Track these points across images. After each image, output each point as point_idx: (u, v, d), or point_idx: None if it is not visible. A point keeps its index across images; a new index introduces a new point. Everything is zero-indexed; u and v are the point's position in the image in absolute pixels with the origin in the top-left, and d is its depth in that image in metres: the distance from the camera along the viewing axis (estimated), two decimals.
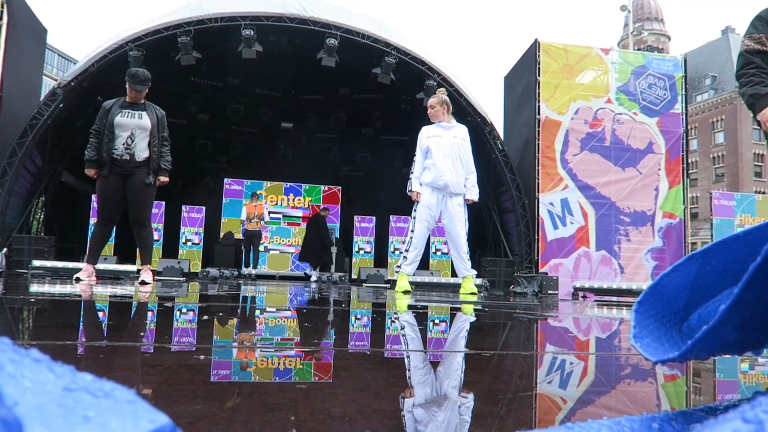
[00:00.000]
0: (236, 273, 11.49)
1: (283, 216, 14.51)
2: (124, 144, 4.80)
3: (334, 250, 12.31)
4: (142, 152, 4.88)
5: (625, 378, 1.12)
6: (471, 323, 2.47)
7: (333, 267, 12.59)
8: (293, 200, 14.76)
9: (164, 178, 5.02)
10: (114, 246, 11.53)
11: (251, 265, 11.67)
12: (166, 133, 5.11)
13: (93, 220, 11.07)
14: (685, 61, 11.00)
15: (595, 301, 7.49)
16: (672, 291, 0.64)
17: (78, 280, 4.78)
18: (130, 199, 4.89)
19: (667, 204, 10.40)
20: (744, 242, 0.57)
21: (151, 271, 5.16)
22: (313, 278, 11.52)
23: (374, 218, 13.83)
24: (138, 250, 5.20)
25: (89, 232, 11.03)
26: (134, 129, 4.84)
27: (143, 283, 4.84)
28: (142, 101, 5.00)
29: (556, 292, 8.97)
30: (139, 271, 5.44)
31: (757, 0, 3.63)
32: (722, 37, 53.52)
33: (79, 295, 2.98)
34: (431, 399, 0.81)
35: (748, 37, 3.14)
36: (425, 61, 10.14)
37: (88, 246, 5.10)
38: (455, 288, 7.79)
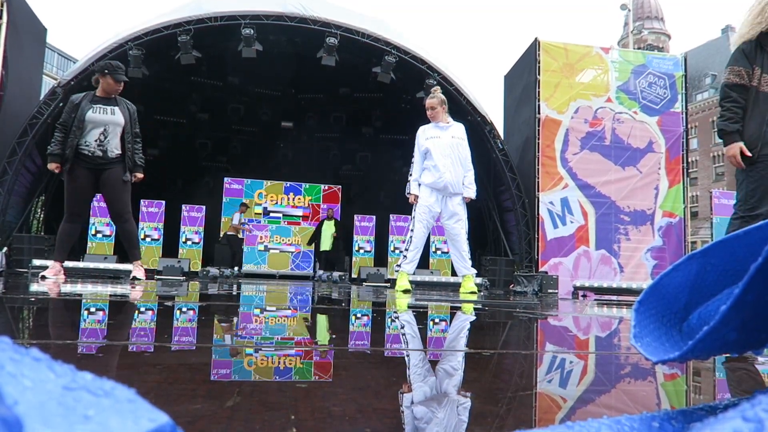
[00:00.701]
0: (236, 272, 11.51)
1: (283, 215, 14.51)
2: (96, 140, 4.64)
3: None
4: (115, 148, 4.72)
5: (625, 377, 1.12)
6: (471, 322, 2.47)
7: (332, 265, 12.70)
8: (293, 199, 14.76)
9: (140, 175, 4.86)
10: (114, 245, 11.53)
11: (234, 267, 12.32)
12: (138, 129, 4.91)
13: (91, 219, 11.08)
14: (685, 59, 10.98)
15: (595, 300, 7.49)
16: (672, 290, 0.63)
17: (44, 278, 4.63)
18: (107, 196, 4.74)
19: (667, 203, 10.40)
20: (744, 242, 0.56)
21: (142, 267, 5.02)
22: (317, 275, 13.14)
23: (374, 217, 13.84)
24: (125, 247, 4.99)
25: (89, 232, 11.05)
26: (108, 125, 4.67)
27: (135, 279, 4.76)
28: (114, 96, 4.81)
29: (556, 291, 8.97)
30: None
31: None
32: (722, 35, 53.49)
33: (80, 295, 2.98)
34: (431, 398, 0.81)
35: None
36: (425, 60, 10.14)
37: (56, 243, 4.86)
38: (455, 287, 7.79)
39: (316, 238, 12.99)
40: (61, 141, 4.63)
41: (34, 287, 3.56)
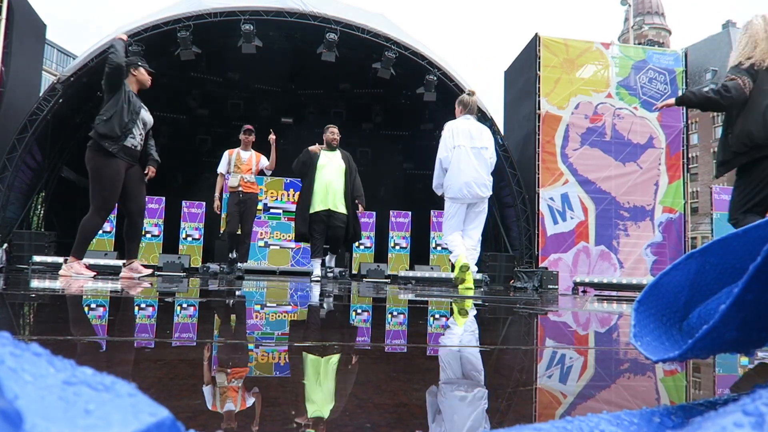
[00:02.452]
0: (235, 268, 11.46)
1: (284, 211, 14.50)
2: (140, 134, 4.75)
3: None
4: (141, 144, 4.87)
5: (624, 372, 1.12)
6: (471, 318, 2.47)
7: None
8: (293, 195, 14.74)
9: (153, 169, 4.99)
10: (114, 242, 11.53)
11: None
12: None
13: None
14: (686, 55, 10.96)
15: (595, 295, 7.50)
16: (672, 289, 0.63)
17: (96, 276, 4.70)
18: (134, 191, 4.75)
19: (667, 199, 10.39)
20: (743, 240, 0.56)
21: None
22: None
23: (374, 213, 13.83)
24: (129, 242, 4.95)
25: None
26: (147, 123, 4.85)
27: (142, 277, 4.80)
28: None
29: (556, 286, 8.98)
30: (124, 265, 5.06)
31: None
32: (723, 31, 53.37)
33: (80, 291, 2.98)
34: (431, 394, 0.81)
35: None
36: (425, 55, 10.12)
37: (80, 239, 4.64)
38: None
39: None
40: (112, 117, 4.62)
41: (60, 284, 3.56)
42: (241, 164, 7.25)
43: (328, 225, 6.89)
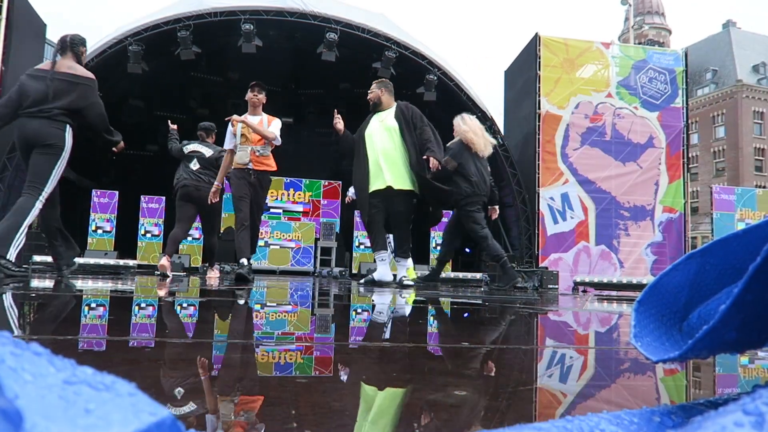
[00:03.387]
0: (236, 267, 11.47)
1: (284, 211, 14.51)
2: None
3: (334, 244, 12.34)
4: None
5: (624, 372, 1.12)
6: (471, 317, 2.47)
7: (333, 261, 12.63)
8: (293, 195, 14.76)
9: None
10: (114, 242, 11.53)
11: None
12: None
13: (93, 215, 11.05)
14: (686, 55, 10.96)
15: (595, 295, 7.50)
16: (672, 290, 0.64)
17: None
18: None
19: (667, 198, 10.39)
20: (743, 241, 0.56)
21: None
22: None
23: None
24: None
25: (89, 227, 11.05)
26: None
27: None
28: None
29: (556, 286, 8.98)
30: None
31: None
32: (723, 30, 53.37)
33: (80, 290, 2.99)
34: (432, 393, 0.81)
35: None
36: (425, 55, 10.13)
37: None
38: (456, 282, 7.79)
39: None
40: None
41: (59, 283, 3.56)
42: (249, 132, 5.51)
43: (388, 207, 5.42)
